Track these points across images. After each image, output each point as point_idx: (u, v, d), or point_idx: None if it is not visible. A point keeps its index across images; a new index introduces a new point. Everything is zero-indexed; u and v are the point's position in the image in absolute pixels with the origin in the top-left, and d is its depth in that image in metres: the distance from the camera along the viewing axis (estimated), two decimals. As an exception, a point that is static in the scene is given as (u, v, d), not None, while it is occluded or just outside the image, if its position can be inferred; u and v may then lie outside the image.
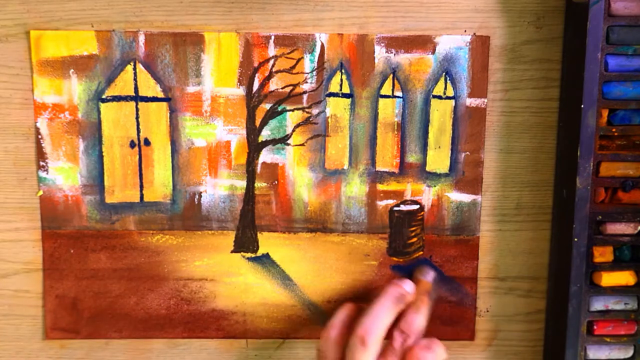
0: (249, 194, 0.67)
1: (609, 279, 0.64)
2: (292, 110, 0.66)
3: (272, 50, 0.65)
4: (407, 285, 0.62)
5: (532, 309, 0.70)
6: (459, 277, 0.69)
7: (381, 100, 0.66)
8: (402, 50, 0.65)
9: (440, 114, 0.66)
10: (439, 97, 0.66)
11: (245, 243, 0.68)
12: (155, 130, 0.66)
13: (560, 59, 0.66)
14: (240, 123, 0.66)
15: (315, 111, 0.66)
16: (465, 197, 0.68)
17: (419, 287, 0.63)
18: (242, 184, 0.67)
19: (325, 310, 0.69)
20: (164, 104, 0.65)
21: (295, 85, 0.66)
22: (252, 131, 0.66)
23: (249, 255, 0.68)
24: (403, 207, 0.68)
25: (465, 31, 0.65)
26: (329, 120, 0.66)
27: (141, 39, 0.64)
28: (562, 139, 0.66)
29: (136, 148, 0.66)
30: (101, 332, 0.69)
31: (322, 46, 0.65)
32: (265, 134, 0.66)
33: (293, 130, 0.66)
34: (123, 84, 0.65)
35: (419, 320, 0.61)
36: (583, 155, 0.62)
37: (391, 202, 0.68)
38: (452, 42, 0.65)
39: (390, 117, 0.66)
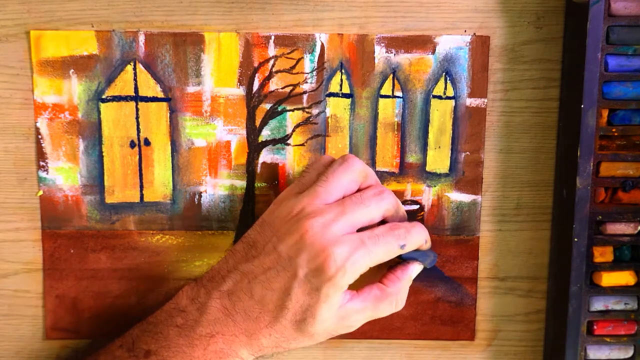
0: (249, 194, 0.67)
1: (609, 279, 0.64)
2: (292, 110, 0.66)
3: (272, 50, 0.65)
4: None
5: (532, 309, 0.70)
6: (459, 277, 0.69)
7: (381, 100, 0.66)
8: (402, 50, 0.65)
9: (440, 114, 0.66)
10: (439, 97, 0.66)
11: (245, 243, 0.68)
12: (155, 130, 0.66)
13: (560, 59, 0.65)
14: (240, 123, 0.66)
15: (315, 111, 0.66)
16: (465, 197, 0.68)
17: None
18: (242, 184, 0.67)
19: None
20: (164, 104, 0.65)
21: (295, 85, 0.66)
22: (252, 131, 0.66)
23: (249, 255, 0.68)
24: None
25: (465, 31, 0.65)
26: (329, 120, 0.66)
27: (141, 39, 0.64)
28: (562, 139, 0.66)
29: (136, 148, 0.66)
30: (101, 332, 0.69)
31: (322, 46, 0.65)
32: (265, 134, 0.66)
33: (293, 130, 0.66)
34: (123, 84, 0.65)
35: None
36: (583, 155, 0.62)
37: (391, 202, 0.68)
38: (452, 42, 0.65)
39: (390, 117, 0.66)
